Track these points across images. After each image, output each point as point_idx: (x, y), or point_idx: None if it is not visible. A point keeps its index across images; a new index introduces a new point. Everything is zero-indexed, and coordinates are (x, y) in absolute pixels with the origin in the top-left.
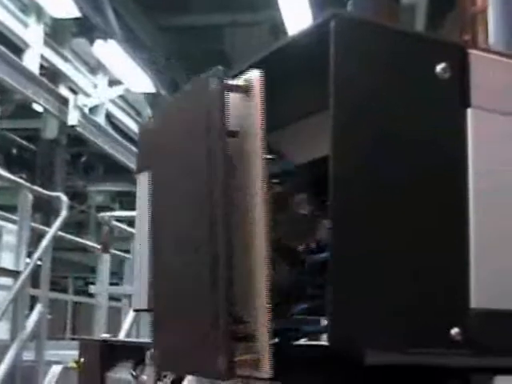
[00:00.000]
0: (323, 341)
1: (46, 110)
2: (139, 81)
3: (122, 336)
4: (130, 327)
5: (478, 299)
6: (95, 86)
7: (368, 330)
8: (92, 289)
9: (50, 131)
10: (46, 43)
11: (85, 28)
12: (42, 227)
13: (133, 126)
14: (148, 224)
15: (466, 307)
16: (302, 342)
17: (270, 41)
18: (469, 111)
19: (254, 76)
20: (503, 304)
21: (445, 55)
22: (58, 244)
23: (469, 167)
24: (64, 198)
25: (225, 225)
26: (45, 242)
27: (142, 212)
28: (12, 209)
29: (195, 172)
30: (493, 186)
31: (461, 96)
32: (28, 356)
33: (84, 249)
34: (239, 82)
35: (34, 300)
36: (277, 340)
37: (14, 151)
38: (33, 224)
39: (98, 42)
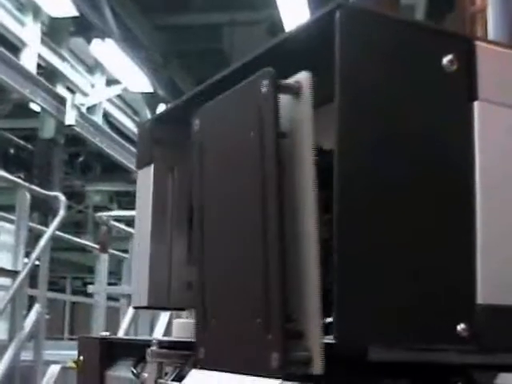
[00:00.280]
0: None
1: (44, 110)
2: (137, 80)
3: (120, 334)
4: (129, 326)
5: (484, 295)
6: (93, 86)
7: (374, 326)
8: (90, 288)
9: (48, 131)
10: (44, 42)
11: (82, 27)
12: (39, 227)
13: (130, 125)
14: (150, 221)
15: (473, 303)
16: None
17: (269, 40)
18: (475, 104)
19: (304, 77)
20: (510, 300)
21: (451, 47)
22: (55, 244)
23: (476, 161)
24: (62, 197)
25: (277, 225)
26: (43, 242)
27: (142, 209)
28: (9, 208)
29: (246, 171)
30: (500, 181)
31: (467, 89)
32: (26, 356)
33: (82, 249)
34: (290, 83)
35: (31, 300)
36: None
37: (12, 151)
38: (31, 224)
39: (96, 41)
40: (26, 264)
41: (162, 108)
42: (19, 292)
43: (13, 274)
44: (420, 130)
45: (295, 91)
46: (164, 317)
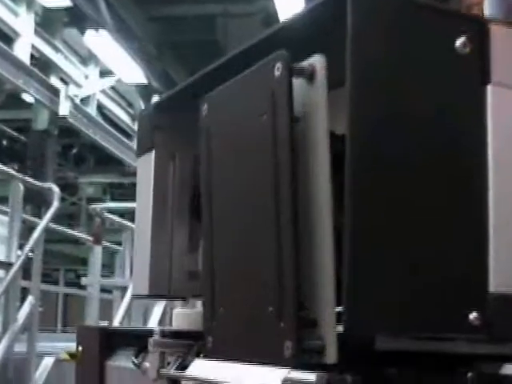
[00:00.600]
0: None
1: (37, 101)
2: (131, 71)
3: (115, 324)
4: (124, 317)
5: (496, 283)
6: (86, 77)
7: (385, 315)
8: (84, 281)
9: (41, 122)
10: (37, 33)
11: (76, 18)
12: (33, 219)
13: (124, 117)
14: (151, 209)
15: (485, 292)
16: None
17: (263, 31)
18: (489, 88)
19: (318, 61)
20: None
21: (465, 29)
22: (48, 236)
23: (488, 145)
24: (56, 188)
25: (291, 211)
26: (36, 234)
27: (142, 197)
28: (3, 200)
29: (257, 157)
30: None
31: (480, 72)
32: (20, 348)
33: (75, 241)
34: (303, 66)
35: (24, 292)
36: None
37: (5, 142)
38: (24, 216)
39: (89, 32)
40: (19, 256)
41: (155, 100)
42: (13, 284)
43: (6, 265)
44: (432, 113)
45: (309, 75)
46: (158, 308)
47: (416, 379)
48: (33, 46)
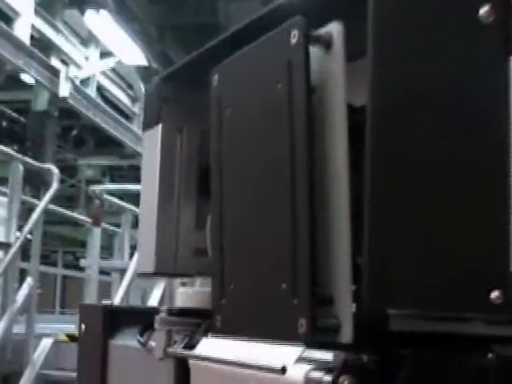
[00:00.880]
0: None
1: (37, 82)
2: (131, 53)
3: (116, 302)
4: (123, 297)
5: None
6: (87, 58)
7: (403, 291)
8: (83, 262)
9: (41, 103)
10: (37, 13)
11: None
12: (32, 200)
13: (124, 99)
14: (157, 185)
15: (507, 270)
16: None
17: None
18: None
19: (335, 28)
20: None
21: None
22: (47, 218)
23: None
24: (55, 170)
25: (307, 184)
26: (35, 215)
27: (148, 172)
28: (1, 181)
29: (271, 128)
30: None
31: (505, 43)
32: (18, 329)
33: (74, 223)
34: (321, 33)
35: (23, 274)
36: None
37: (4, 124)
38: (23, 197)
39: (90, 13)
40: (18, 237)
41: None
42: (11, 265)
43: (5, 246)
44: (454, 84)
45: (326, 43)
46: (157, 290)
47: (433, 361)
48: (33, 27)
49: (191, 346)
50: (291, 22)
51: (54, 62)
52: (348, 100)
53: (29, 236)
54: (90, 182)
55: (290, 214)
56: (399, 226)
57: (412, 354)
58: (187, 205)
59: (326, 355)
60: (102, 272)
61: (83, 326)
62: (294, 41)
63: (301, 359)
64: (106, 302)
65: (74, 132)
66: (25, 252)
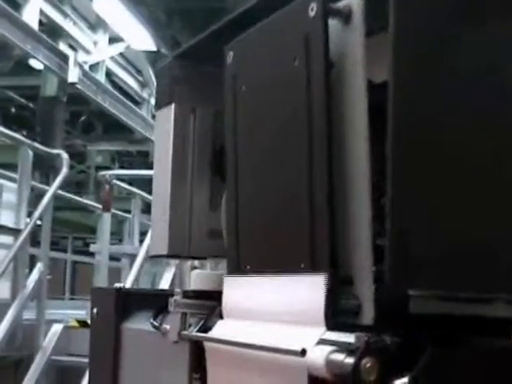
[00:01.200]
0: None
1: (46, 67)
2: (140, 38)
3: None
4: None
5: None
6: (95, 43)
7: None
8: (93, 248)
9: (50, 88)
10: None
11: None
12: (41, 186)
13: (133, 84)
14: (170, 165)
15: None
16: None
17: None
18: None
19: (355, 1)
20: None
21: None
22: (56, 203)
23: None
24: (65, 155)
25: (326, 163)
26: (45, 200)
27: (161, 152)
28: (11, 167)
29: (288, 104)
30: None
31: None
32: (28, 315)
33: (83, 209)
34: (340, 6)
35: (33, 260)
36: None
37: (13, 110)
38: (32, 182)
39: None
40: (28, 223)
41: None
42: (21, 251)
43: (15, 232)
44: (480, 56)
45: (345, 16)
46: (168, 274)
47: (457, 343)
48: (41, 12)
49: (206, 328)
50: None
51: (63, 47)
52: (367, 76)
53: (38, 222)
54: (99, 167)
55: (309, 192)
56: (421, 207)
57: (433, 337)
58: (200, 185)
59: (347, 337)
60: (112, 258)
61: (95, 310)
62: (312, 14)
63: (321, 341)
64: (118, 284)
65: (83, 118)
66: (35, 238)
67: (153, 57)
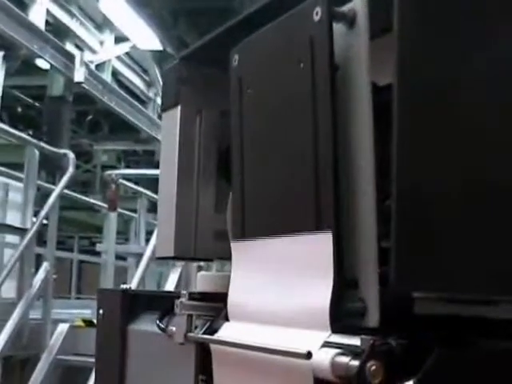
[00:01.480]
0: None
1: (53, 67)
2: (146, 38)
3: (133, 287)
4: (139, 282)
5: None
6: (102, 43)
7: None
8: (99, 247)
9: (56, 88)
10: None
11: None
12: (47, 185)
13: (139, 83)
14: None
15: None
16: None
17: None
18: None
19: (359, 4)
20: None
21: None
22: (62, 203)
23: None
24: (71, 154)
25: (331, 166)
26: (52, 199)
27: (167, 154)
28: (17, 167)
29: (293, 108)
30: None
31: None
32: (35, 314)
33: (89, 208)
34: (344, 10)
35: (39, 260)
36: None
37: (19, 109)
38: (39, 182)
39: None
40: (34, 222)
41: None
42: (27, 250)
43: (21, 231)
44: (486, 58)
45: (350, 20)
46: (174, 275)
47: (462, 345)
48: (48, 12)
49: (213, 330)
50: None
51: (69, 47)
52: (372, 78)
53: (45, 221)
54: (105, 167)
55: (315, 194)
56: (426, 209)
57: (439, 339)
58: (206, 187)
59: (353, 340)
60: (118, 257)
61: (101, 311)
62: (317, 18)
63: (326, 344)
64: (124, 286)
65: (89, 117)
66: (41, 237)
67: (159, 56)
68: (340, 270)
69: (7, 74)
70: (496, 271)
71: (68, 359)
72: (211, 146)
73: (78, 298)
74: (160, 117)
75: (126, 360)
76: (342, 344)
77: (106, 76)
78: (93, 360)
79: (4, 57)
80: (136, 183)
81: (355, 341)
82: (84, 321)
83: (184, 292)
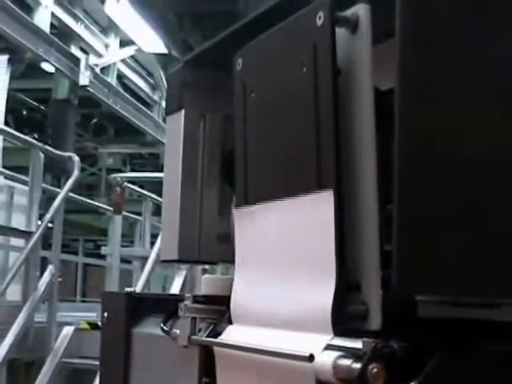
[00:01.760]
0: None
1: (58, 70)
2: (151, 41)
3: (138, 290)
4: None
5: None
6: (107, 46)
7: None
8: (104, 250)
9: (61, 91)
10: (57, 1)
11: None
12: (53, 188)
13: (144, 86)
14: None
15: None
16: None
17: None
18: None
19: (362, 9)
20: None
21: None
22: (67, 206)
23: None
24: (76, 157)
25: (334, 169)
26: (57, 202)
27: (171, 158)
28: (22, 170)
29: (297, 112)
30: None
31: None
32: (40, 317)
33: (94, 211)
34: (347, 15)
35: (44, 263)
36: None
37: (25, 113)
38: (44, 185)
39: (110, 1)
40: (39, 225)
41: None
42: (32, 253)
43: (26, 234)
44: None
45: (353, 24)
46: (179, 278)
47: (464, 347)
48: (53, 15)
49: (216, 333)
50: (317, 3)
51: (74, 50)
52: (374, 83)
53: (50, 224)
54: (110, 170)
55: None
56: (428, 212)
57: (440, 342)
58: (210, 190)
59: (355, 343)
60: (123, 260)
61: (106, 314)
62: (319, 22)
63: (329, 347)
64: (128, 289)
65: (94, 120)
66: (46, 240)
67: (164, 59)
68: (342, 272)
69: (12, 77)
70: (498, 274)
71: (73, 362)
72: (215, 150)
73: (83, 301)
74: (165, 120)
75: (131, 362)
76: (344, 347)
77: (111, 79)
78: (98, 363)
79: (9, 60)
80: (141, 186)
81: (357, 344)
82: (89, 324)
83: (188, 295)
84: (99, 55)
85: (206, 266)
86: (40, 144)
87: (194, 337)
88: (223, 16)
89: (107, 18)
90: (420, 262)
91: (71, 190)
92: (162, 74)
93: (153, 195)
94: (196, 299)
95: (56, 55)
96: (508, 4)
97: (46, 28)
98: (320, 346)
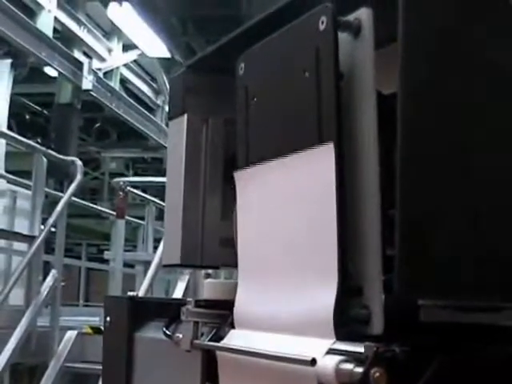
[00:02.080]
0: None
1: (61, 74)
2: (154, 45)
3: (141, 294)
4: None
5: None
6: (109, 51)
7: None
8: (107, 255)
9: (64, 95)
10: (60, 6)
11: None
12: (55, 193)
13: (147, 91)
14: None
15: None
16: None
17: None
18: None
19: (365, 14)
20: None
21: None
22: (70, 210)
23: None
24: (79, 162)
25: (336, 171)
26: (59, 207)
27: (174, 162)
28: (25, 174)
29: (299, 117)
30: None
31: None
32: (42, 322)
33: (97, 215)
34: (350, 20)
35: (47, 267)
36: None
37: (28, 117)
38: (46, 189)
39: (113, 5)
40: (42, 229)
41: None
42: (35, 257)
43: (29, 239)
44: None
45: (355, 29)
46: (181, 283)
47: (466, 351)
48: (56, 19)
49: (218, 337)
50: (319, 8)
51: (77, 54)
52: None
53: (53, 229)
54: (113, 174)
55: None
56: (430, 217)
57: (442, 346)
58: (213, 195)
59: (357, 347)
60: (126, 264)
61: (108, 319)
62: (322, 27)
63: (331, 351)
64: (131, 293)
65: (97, 125)
66: (49, 245)
67: (167, 64)
68: (344, 276)
69: (15, 82)
70: (499, 278)
71: (76, 366)
72: (217, 154)
73: (86, 306)
74: (168, 124)
75: (133, 367)
76: (347, 351)
77: (114, 83)
78: (100, 367)
79: (12, 64)
80: (144, 191)
81: (359, 348)
82: (92, 328)
83: (190, 299)
84: (102, 59)
85: (209, 271)
86: (43, 148)
87: (196, 341)
88: (226, 20)
89: (110, 22)
90: (422, 267)
91: (74, 194)
92: (165, 79)
93: (156, 199)
94: (198, 303)
95: (59, 59)
96: (509, 9)
97: (49, 32)
98: (322, 350)
